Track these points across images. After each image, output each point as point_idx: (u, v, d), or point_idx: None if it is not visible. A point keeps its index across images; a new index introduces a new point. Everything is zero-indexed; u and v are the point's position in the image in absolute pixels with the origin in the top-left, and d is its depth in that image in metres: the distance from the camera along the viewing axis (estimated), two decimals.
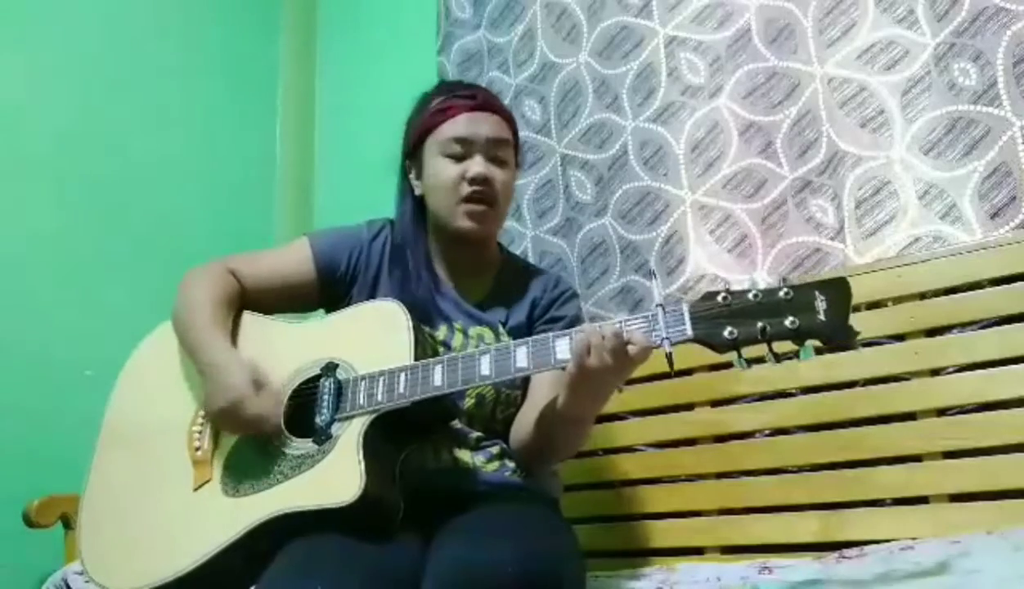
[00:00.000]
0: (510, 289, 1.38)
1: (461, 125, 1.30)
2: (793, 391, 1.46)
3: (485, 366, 1.09)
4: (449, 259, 1.37)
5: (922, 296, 1.38)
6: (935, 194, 1.42)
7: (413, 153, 1.36)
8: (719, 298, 1.00)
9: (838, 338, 0.96)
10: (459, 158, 1.30)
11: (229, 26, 2.56)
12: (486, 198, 1.29)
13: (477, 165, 1.29)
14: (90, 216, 2.10)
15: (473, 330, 1.31)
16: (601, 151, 1.87)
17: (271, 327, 1.29)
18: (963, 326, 1.33)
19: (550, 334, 1.08)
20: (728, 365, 1.52)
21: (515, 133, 1.38)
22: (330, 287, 1.34)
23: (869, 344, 1.39)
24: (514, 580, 0.91)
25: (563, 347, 1.06)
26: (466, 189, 1.29)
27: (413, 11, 2.44)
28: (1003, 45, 1.36)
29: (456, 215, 1.30)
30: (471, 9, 2.24)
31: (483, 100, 1.34)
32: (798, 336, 0.96)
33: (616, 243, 1.82)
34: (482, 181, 1.28)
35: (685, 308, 1.01)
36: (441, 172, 1.30)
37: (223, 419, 1.18)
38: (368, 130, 2.43)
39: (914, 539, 1.23)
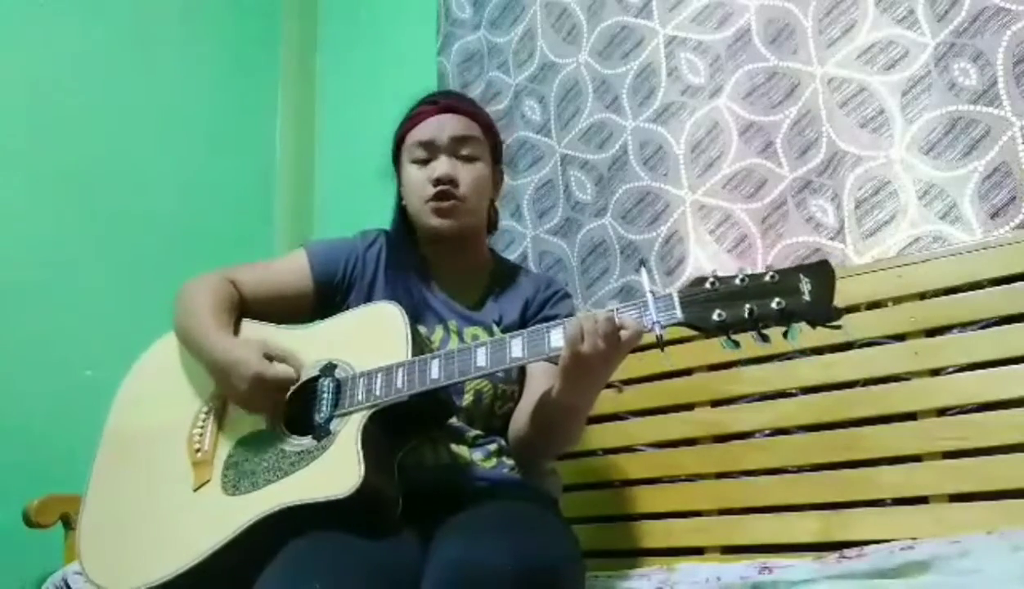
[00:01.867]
0: (503, 290, 1.40)
1: (424, 130, 1.35)
2: (793, 391, 1.46)
3: (481, 357, 1.11)
4: (440, 263, 1.40)
5: (922, 296, 1.38)
6: (935, 194, 1.42)
7: (395, 165, 1.41)
8: (707, 284, 1.03)
9: (823, 318, 0.98)
10: (425, 162, 1.34)
11: (229, 27, 2.55)
12: (451, 195, 1.32)
13: (441, 166, 1.33)
14: (90, 217, 2.10)
15: (467, 331, 1.33)
16: (601, 151, 1.87)
17: (271, 332, 1.29)
18: (963, 326, 1.33)
19: (544, 325, 1.10)
20: (728, 365, 1.52)
21: (488, 130, 1.40)
22: (327, 296, 1.35)
23: (869, 344, 1.39)
24: (513, 581, 0.91)
25: (557, 336, 1.08)
26: (430, 190, 1.32)
27: (413, 11, 2.44)
28: (1003, 45, 1.36)
29: (425, 215, 1.33)
30: (471, 9, 2.24)
31: (446, 103, 1.38)
32: (784, 317, 0.98)
33: (616, 243, 1.82)
34: (447, 181, 1.32)
35: (675, 293, 1.05)
36: (410, 178, 1.35)
37: (249, 399, 1.18)
38: (368, 131, 2.41)
39: (914, 539, 1.23)
